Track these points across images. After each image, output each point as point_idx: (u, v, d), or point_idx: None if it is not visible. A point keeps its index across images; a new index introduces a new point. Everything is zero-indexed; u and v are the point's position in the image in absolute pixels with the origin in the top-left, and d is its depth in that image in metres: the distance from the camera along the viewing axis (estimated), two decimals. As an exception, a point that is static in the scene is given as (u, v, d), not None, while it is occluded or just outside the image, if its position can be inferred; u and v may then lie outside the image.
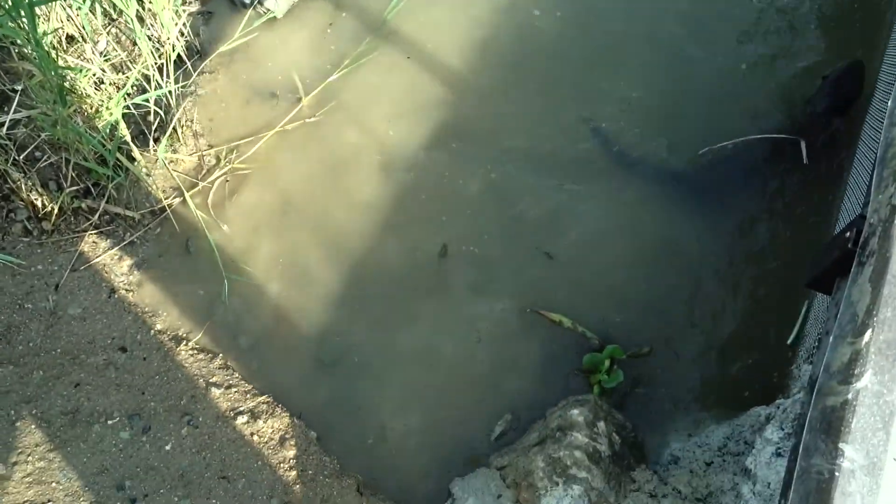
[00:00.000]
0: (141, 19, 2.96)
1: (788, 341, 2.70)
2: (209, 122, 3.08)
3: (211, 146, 3.03)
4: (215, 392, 2.59)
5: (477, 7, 3.34)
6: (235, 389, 2.63)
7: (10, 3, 2.24)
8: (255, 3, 3.23)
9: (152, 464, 2.43)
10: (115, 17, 3.06)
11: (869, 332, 1.72)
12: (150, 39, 2.95)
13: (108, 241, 2.80)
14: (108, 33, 3.01)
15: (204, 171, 2.98)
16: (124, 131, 2.75)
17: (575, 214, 2.98)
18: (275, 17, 3.25)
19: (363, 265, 2.88)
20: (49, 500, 2.33)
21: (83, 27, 2.86)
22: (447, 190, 3.01)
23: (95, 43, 2.94)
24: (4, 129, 2.67)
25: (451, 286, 2.86)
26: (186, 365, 2.64)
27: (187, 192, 2.89)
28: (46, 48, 2.49)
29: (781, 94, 3.22)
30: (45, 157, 2.76)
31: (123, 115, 2.77)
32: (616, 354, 2.67)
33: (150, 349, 2.65)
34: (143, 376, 2.59)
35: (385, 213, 2.97)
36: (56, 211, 2.72)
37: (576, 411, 2.43)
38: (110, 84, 2.89)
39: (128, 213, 2.84)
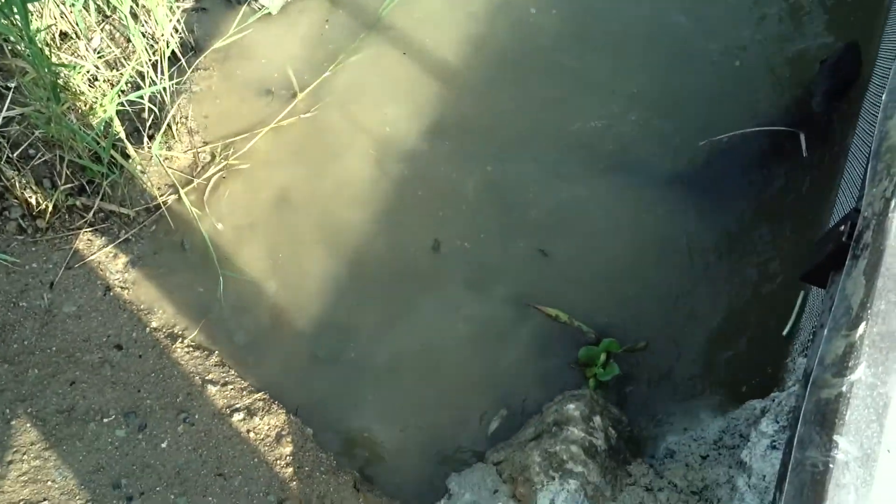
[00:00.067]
0: (135, 16, 2.95)
1: (784, 332, 2.71)
2: (204, 118, 3.07)
3: (206, 143, 3.02)
4: (211, 389, 2.59)
5: (473, 3, 3.33)
6: (231, 386, 2.62)
7: (2, 0, 2.23)
8: (250, -1, 3.22)
9: (148, 462, 2.43)
10: (108, 13, 3.05)
11: (863, 325, 1.73)
12: (144, 36, 2.94)
13: (103, 238, 2.80)
14: (101, 30, 3.00)
15: (199, 168, 2.97)
16: (118, 128, 2.74)
17: (572, 211, 2.98)
18: (269, 13, 3.24)
19: (359, 261, 2.87)
20: (45, 499, 2.32)
21: (77, 24, 2.85)
22: (444, 186, 3.01)
23: (89, 40, 2.93)
24: (-2, 126, 2.67)
25: (447, 282, 2.86)
26: (182, 362, 2.64)
27: (182, 189, 2.89)
28: (40, 45, 2.48)
29: (780, 84, 3.22)
30: (38, 155, 2.75)
31: (118, 112, 2.76)
32: (612, 348, 2.68)
33: (145, 347, 2.64)
34: (138, 374, 2.58)
35: (381, 209, 2.96)
36: (50, 209, 2.72)
37: (572, 406, 2.44)
38: (104, 81, 2.88)
39: (123, 210, 2.83)
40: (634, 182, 3.03)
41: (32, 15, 2.66)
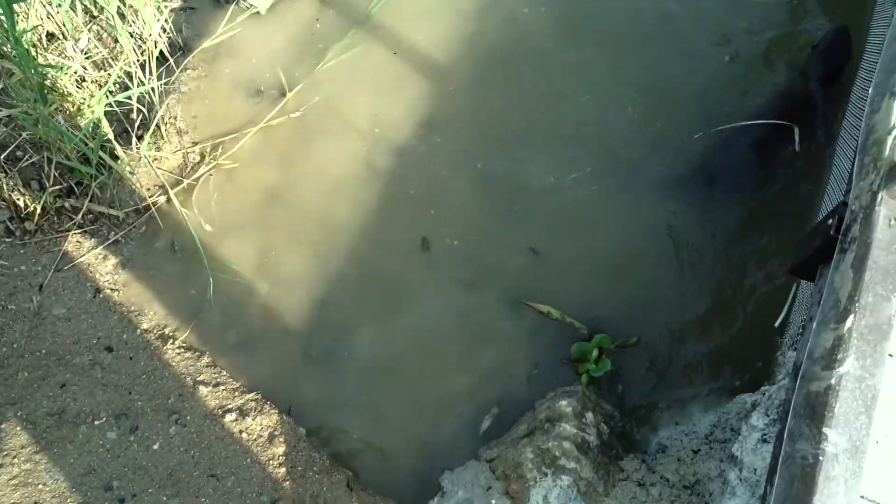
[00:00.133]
0: (122, 16, 2.93)
1: (776, 324, 2.72)
2: (193, 118, 3.06)
3: (195, 143, 3.01)
4: (203, 390, 2.58)
5: (463, 1, 3.33)
6: (223, 387, 2.62)
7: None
8: (238, -2, 3.21)
9: (140, 463, 2.42)
10: (95, 13, 3.03)
11: (851, 318, 1.74)
12: (131, 36, 2.93)
13: (93, 240, 2.78)
14: (89, 30, 2.98)
15: (188, 169, 2.96)
16: (107, 129, 2.72)
17: (563, 208, 2.98)
18: (258, 12, 3.23)
19: (351, 260, 2.87)
20: (36, 502, 2.31)
21: (63, 24, 2.83)
22: (434, 184, 3.00)
23: (76, 40, 2.91)
24: (-16, 128, 2.65)
25: (439, 280, 2.86)
26: (173, 364, 2.63)
27: (172, 189, 2.88)
28: (26, 46, 2.47)
29: (773, 71, 3.23)
30: (26, 157, 2.73)
31: (106, 113, 2.75)
32: (604, 344, 2.68)
33: (136, 348, 2.63)
34: (129, 376, 2.57)
35: (372, 208, 2.96)
36: (39, 211, 2.70)
37: (564, 402, 2.44)
38: (92, 82, 2.86)
39: (112, 211, 2.82)
40: (626, 179, 3.04)
41: (18, 15, 2.64)
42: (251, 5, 3.21)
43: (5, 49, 2.52)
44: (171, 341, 2.68)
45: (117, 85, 2.89)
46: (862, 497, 1.63)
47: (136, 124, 2.92)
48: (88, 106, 2.72)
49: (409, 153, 3.05)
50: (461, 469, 2.46)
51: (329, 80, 3.15)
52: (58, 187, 2.75)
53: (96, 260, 2.76)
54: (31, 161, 2.73)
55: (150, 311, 2.73)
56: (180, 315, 2.74)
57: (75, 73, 2.81)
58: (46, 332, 2.59)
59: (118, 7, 2.85)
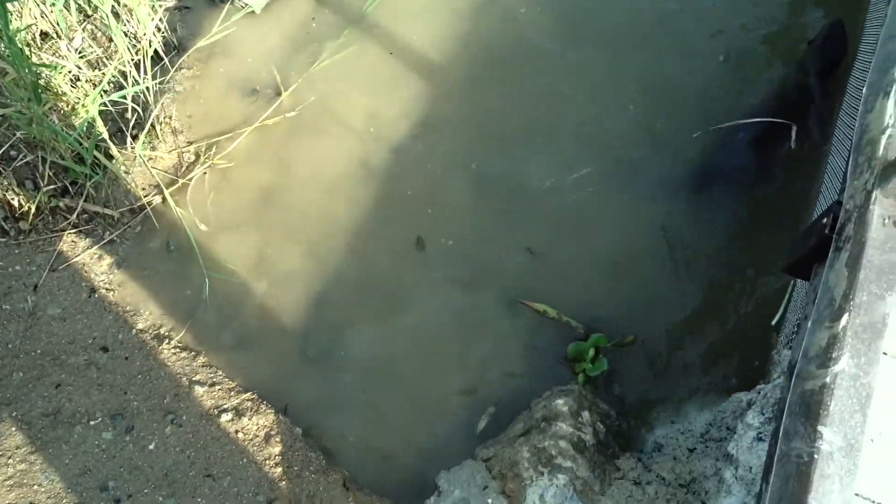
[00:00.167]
0: (116, 15, 2.92)
1: (773, 322, 2.73)
2: (188, 118, 3.05)
3: (190, 143, 3.00)
4: (199, 390, 2.58)
5: (459, 0, 3.33)
6: (219, 387, 2.61)
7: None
8: (233, -3, 3.20)
9: (136, 463, 2.42)
10: (90, 13, 3.02)
11: (846, 316, 1.75)
12: (126, 35, 2.92)
13: (88, 240, 2.77)
14: (83, 29, 2.97)
15: (183, 168, 2.95)
16: (101, 129, 2.72)
17: (559, 208, 2.98)
18: (253, 11, 3.23)
19: (347, 260, 2.87)
20: (31, 503, 2.30)
21: (57, 23, 2.82)
22: (430, 184, 3.00)
23: (70, 39, 2.90)
24: (-22, 128, 2.63)
25: (435, 279, 2.86)
26: (169, 363, 2.63)
27: (167, 189, 2.87)
28: (20, 45, 2.46)
29: (772, 67, 3.24)
30: (20, 156, 2.72)
31: (100, 113, 2.74)
32: (601, 343, 2.69)
33: (131, 348, 2.63)
34: (125, 376, 2.56)
35: (368, 208, 2.96)
36: (33, 210, 2.69)
37: (560, 401, 2.45)
38: (86, 81, 2.85)
39: (107, 211, 2.81)
40: (624, 179, 3.04)
41: (11, 14, 2.63)
42: (246, 4, 3.20)
43: (-1, 48, 2.51)
44: (166, 341, 2.67)
45: (112, 84, 2.89)
46: (857, 495, 1.63)
47: (131, 124, 2.91)
48: (83, 105, 2.71)
49: (406, 153, 3.05)
50: (457, 468, 2.46)
51: (325, 79, 3.15)
52: (52, 187, 2.74)
53: (91, 260, 2.75)
54: (25, 160, 2.72)
55: (146, 311, 2.72)
56: (176, 315, 2.73)
57: (69, 72, 2.80)
58: (41, 332, 2.58)
59: (112, 6, 2.84)
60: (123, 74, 2.88)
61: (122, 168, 2.84)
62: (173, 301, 2.75)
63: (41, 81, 2.60)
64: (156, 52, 3.02)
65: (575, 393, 2.51)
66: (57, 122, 2.65)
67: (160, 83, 3.02)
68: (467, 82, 3.19)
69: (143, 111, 2.94)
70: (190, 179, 2.92)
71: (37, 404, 2.45)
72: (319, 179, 2.99)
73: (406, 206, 2.96)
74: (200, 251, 2.76)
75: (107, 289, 2.72)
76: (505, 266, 2.88)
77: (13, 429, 2.40)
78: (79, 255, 2.74)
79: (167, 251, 2.83)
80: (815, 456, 1.60)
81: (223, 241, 2.86)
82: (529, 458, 2.32)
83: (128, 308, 2.71)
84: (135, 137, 2.89)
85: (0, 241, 2.67)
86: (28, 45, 2.69)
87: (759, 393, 2.35)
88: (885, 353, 1.76)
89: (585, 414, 2.45)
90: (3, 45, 2.40)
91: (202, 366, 2.65)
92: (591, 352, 2.66)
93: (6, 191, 2.66)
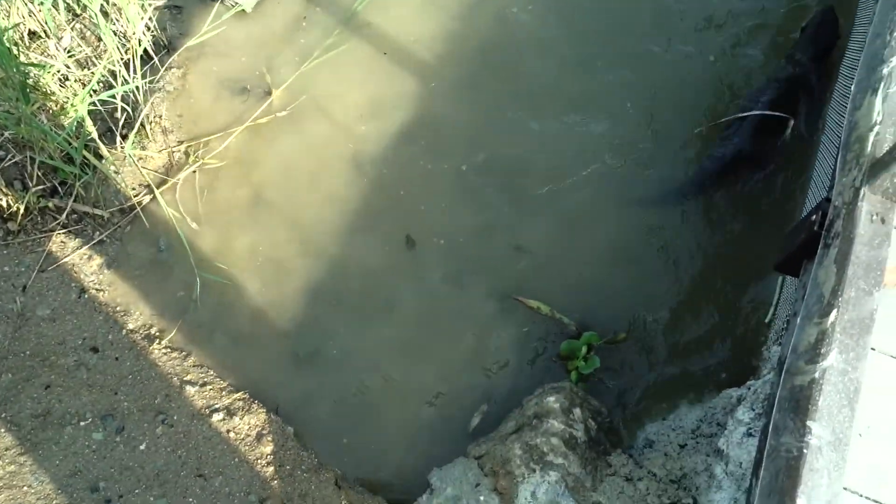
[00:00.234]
0: (106, 14, 2.91)
1: (766, 320, 2.74)
2: (178, 117, 3.04)
3: (180, 142, 2.99)
4: (190, 390, 2.57)
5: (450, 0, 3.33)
6: (210, 387, 2.60)
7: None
8: (223, -4, 3.19)
9: (127, 464, 2.41)
10: (78, 12, 3.01)
11: (834, 312, 1.76)
12: (115, 34, 2.90)
13: (77, 240, 2.76)
14: (72, 29, 2.96)
15: (173, 168, 2.94)
16: (91, 128, 2.70)
17: (551, 207, 2.97)
18: (243, 10, 3.22)
19: (338, 258, 2.86)
20: (21, 504, 2.29)
21: (46, 22, 2.81)
22: (422, 183, 3.00)
23: (59, 39, 2.89)
24: (-34, 127, 2.62)
25: (426, 278, 2.86)
26: (160, 364, 2.62)
27: (157, 189, 2.86)
28: (7, 44, 2.44)
29: (767, 56, 3.26)
30: (9, 157, 2.71)
31: (90, 112, 2.72)
32: (593, 341, 2.69)
33: (122, 349, 2.62)
34: (115, 376, 2.55)
35: (359, 207, 2.95)
36: (22, 211, 2.67)
37: (552, 398, 2.45)
38: (75, 80, 2.84)
39: (96, 211, 2.80)
40: (618, 177, 3.04)
41: None
42: (236, 3, 3.19)
43: (-14, 47, 2.49)
44: (157, 341, 2.66)
45: (101, 83, 2.87)
46: (845, 489, 1.65)
47: (121, 123, 2.90)
48: (72, 105, 2.70)
49: (397, 152, 3.05)
50: (450, 466, 2.46)
51: (316, 78, 3.14)
52: (41, 187, 2.73)
53: (81, 260, 2.73)
54: (13, 161, 2.71)
55: (136, 311, 2.71)
56: (166, 315, 2.72)
57: (58, 71, 2.78)
58: (31, 333, 2.56)
59: (101, 5, 2.82)
60: (113, 74, 2.86)
61: (112, 168, 2.83)
62: (164, 301, 2.74)
63: (29, 81, 2.58)
64: (145, 51, 3.01)
65: (566, 390, 2.52)
66: (46, 121, 2.63)
67: (150, 82, 3.01)
68: (459, 81, 3.19)
69: (133, 111, 2.93)
70: (180, 179, 2.91)
71: (26, 406, 2.44)
72: (311, 179, 2.99)
73: (398, 205, 2.96)
74: (191, 251, 2.75)
75: (97, 289, 2.71)
76: (497, 265, 2.88)
77: (2, 430, 2.38)
78: (68, 255, 2.72)
79: (158, 251, 2.81)
80: (804, 450, 1.61)
81: (214, 240, 2.85)
82: (521, 455, 2.33)
83: (118, 308, 2.69)
84: (124, 137, 2.88)
85: (-11, 242, 2.65)
86: (16, 44, 2.67)
87: (750, 389, 2.36)
88: (872, 349, 1.77)
89: (577, 411, 2.46)
90: (-10, 44, 2.38)
91: (193, 365, 2.65)
92: (584, 349, 2.67)
93: (-5, 191, 2.64)
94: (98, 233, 2.78)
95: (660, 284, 2.87)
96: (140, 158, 2.90)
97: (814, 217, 2.08)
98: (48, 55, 2.81)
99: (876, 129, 1.96)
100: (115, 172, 2.84)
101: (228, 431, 2.51)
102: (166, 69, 3.08)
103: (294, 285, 2.81)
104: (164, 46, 3.15)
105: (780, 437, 1.71)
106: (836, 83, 2.97)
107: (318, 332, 2.75)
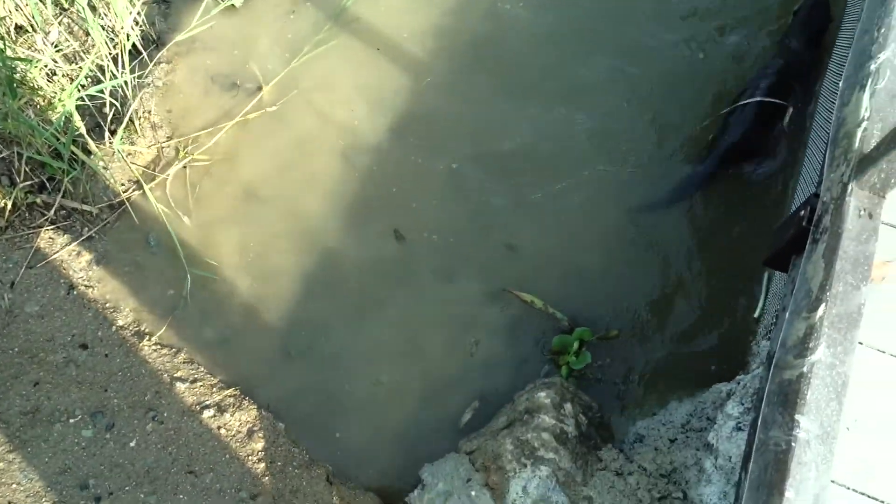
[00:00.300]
0: (93, 8, 2.88)
1: (755, 314, 2.76)
2: (167, 113, 3.02)
3: (170, 138, 2.97)
4: (180, 387, 2.56)
5: (439, -6, 3.32)
6: (201, 383, 2.60)
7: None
8: (212, -9, 3.17)
9: (117, 461, 2.40)
10: (66, 6, 2.98)
11: (822, 307, 1.77)
12: (103, 29, 2.88)
13: (66, 236, 2.74)
14: (59, 23, 2.93)
15: (163, 164, 2.93)
16: (79, 124, 2.68)
17: (542, 204, 2.97)
18: (233, 4, 3.20)
19: (329, 254, 2.86)
20: (10, 502, 2.28)
21: (33, 17, 2.78)
22: (413, 179, 3.00)
23: (46, 33, 2.86)
24: (-48, 122, 2.59)
25: (418, 274, 2.86)
26: (150, 360, 2.60)
27: (146, 184, 2.84)
28: (-6, 38, 2.42)
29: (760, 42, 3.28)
30: (-4, 152, 2.68)
31: (78, 108, 2.70)
32: (585, 336, 2.70)
33: (111, 345, 2.60)
34: (105, 373, 2.54)
35: (350, 202, 2.95)
36: (9, 207, 2.65)
37: (543, 394, 2.46)
38: (63, 75, 2.81)
39: (85, 207, 2.78)
40: (610, 175, 3.04)
41: (-14, 7, 2.59)
42: (226, -2, 3.17)
43: (-28, 41, 2.47)
44: (147, 338, 2.65)
45: (89, 79, 2.85)
46: (833, 482, 1.66)
47: (109, 118, 2.88)
48: (59, 100, 2.67)
49: (388, 148, 3.04)
50: (441, 461, 2.46)
51: (306, 73, 3.13)
52: (29, 183, 2.71)
53: (69, 256, 2.71)
54: (0, 156, 2.68)
55: (126, 308, 2.69)
56: (156, 311, 2.71)
57: (45, 66, 2.76)
58: (19, 329, 2.54)
59: (89, -1, 2.80)
60: (101, 69, 2.84)
61: (101, 163, 2.81)
62: (154, 297, 2.73)
63: (16, 76, 2.56)
64: (134, 46, 2.98)
65: (557, 385, 2.53)
66: (33, 116, 2.61)
67: (139, 77, 2.99)
68: (451, 76, 3.19)
69: (122, 106, 2.91)
70: (170, 175, 2.89)
71: (15, 403, 2.42)
72: (301, 174, 2.98)
73: (389, 201, 2.95)
74: (181, 246, 2.73)
75: (86, 285, 2.69)
76: (488, 261, 2.89)
77: (-9, 428, 2.37)
78: (57, 251, 2.70)
79: (147, 247, 2.80)
80: (793, 444, 1.63)
81: (204, 236, 2.84)
82: (512, 450, 2.33)
83: (107, 305, 2.68)
84: (113, 132, 2.86)
85: (-24, 238, 2.63)
86: (2, 38, 2.64)
87: (739, 383, 2.38)
88: (860, 343, 1.79)
89: (568, 406, 2.47)
90: (-24, 38, 2.36)
91: (183, 362, 2.64)
92: (576, 345, 2.68)
93: (-19, 187, 2.62)
94: (87, 229, 2.76)
95: (651, 281, 2.88)
96: (129, 154, 2.88)
97: (802, 212, 2.09)
98: (35, 50, 2.79)
99: (864, 125, 1.97)
100: (104, 168, 2.82)
101: (219, 428, 2.50)
102: (155, 64, 3.06)
103: (285, 281, 2.81)
104: (153, 41, 3.12)
105: (768, 430, 1.72)
106: (825, 78, 2.98)
107: (309, 328, 2.75)
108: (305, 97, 3.10)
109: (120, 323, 2.66)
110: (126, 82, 2.87)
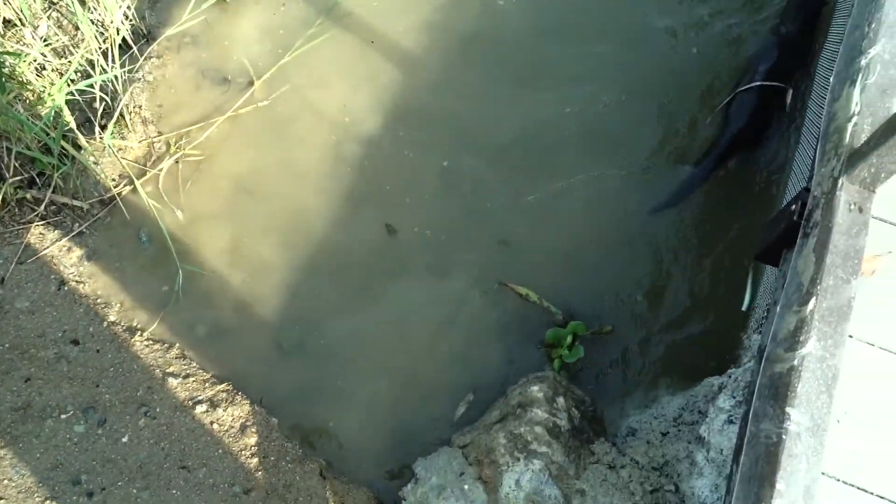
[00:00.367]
0: (83, 2, 2.86)
1: (742, 307, 2.77)
2: (158, 107, 3.01)
3: (161, 133, 2.96)
4: (172, 382, 2.55)
5: (432, -11, 3.31)
6: (193, 379, 2.59)
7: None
8: (203, -16, 3.15)
9: (109, 456, 2.39)
10: (55, 0, 2.95)
11: (813, 301, 1.78)
12: (93, 23, 2.86)
13: (56, 231, 2.72)
14: (48, 17, 2.90)
15: (154, 159, 2.91)
16: (69, 118, 2.66)
17: (536, 200, 2.98)
18: (224, -1, 3.18)
19: (321, 249, 2.85)
20: (1, 498, 2.27)
21: (21, 10, 2.75)
22: (406, 174, 2.99)
23: (35, 27, 2.84)
24: (-60, 117, 2.57)
25: (411, 268, 2.86)
26: (142, 356, 2.59)
27: (137, 179, 2.83)
28: (-18, 32, 2.40)
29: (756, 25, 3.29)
30: (-15, 147, 2.66)
31: (67, 102, 2.68)
32: (579, 331, 2.71)
33: (103, 341, 2.59)
34: (96, 369, 2.53)
35: (343, 197, 2.94)
36: (-1, 202, 2.64)
37: (535, 388, 2.47)
38: (52, 70, 2.79)
39: (75, 202, 2.76)
40: (603, 173, 3.04)
41: (-26, 1, 2.57)
42: (217, -9, 3.15)
43: (-40, 35, 2.45)
44: (139, 333, 2.64)
45: (79, 73, 2.83)
46: (823, 474, 1.68)
47: (100, 113, 2.86)
48: (49, 94, 2.65)
49: (380, 143, 3.04)
50: (434, 455, 2.47)
51: (298, 68, 3.12)
52: (19, 178, 2.69)
53: (60, 252, 2.70)
54: (-10, 151, 2.67)
55: (117, 303, 2.68)
56: (148, 306, 2.70)
57: (34, 60, 2.74)
58: (9, 325, 2.53)
59: (79, -8, 2.78)
60: (91, 63, 2.82)
61: (91, 158, 2.79)
62: (145, 293, 2.71)
63: (5, 70, 2.54)
64: (124, 40, 2.96)
65: (550, 379, 2.54)
66: (22, 111, 2.59)
67: (129, 72, 2.97)
68: (444, 72, 3.18)
69: (112, 101, 2.89)
70: (161, 170, 2.88)
71: (6, 399, 2.41)
72: (293, 169, 2.97)
73: (381, 196, 2.95)
74: (173, 242, 2.72)
75: (77, 281, 2.68)
76: (483, 255, 2.89)
77: (-18, 424, 2.36)
78: (47, 247, 2.69)
79: (139, 242, 2.79)
80: (783, 436, 1.64)
81: (196, 231, 2.83)
82: (505, 444, 2.34)
83: (99, 300, 2.67)
84: (103, 127, 2.84)
85: (-35, 234, 2.61)
86: (-9, 32, 2.62)
87: (731, 377, 2.39)
88: (850, 336, 1.80)
89: (560, 400, 2.48)
90: (-36, 31, 2.34)
91: (176, 357, 2.63)
92: (569, 339, 2.68)
93: (-30, 182, 2.60)
94: (77, 224, 2.75)
95: (645, 276, 2.88)
96: (119, 149, 2.87)
97: (793, 207, 2.10)
98: (24, 44, 2.76)
99: (854, 119, 1.98)
100: (95, 163, 2.80)
101: (212, 423, 2.50)
102: (146, 59, 3.04)
103: (277, 276, 2.80)
104: (144, 35, 3.10)
105: (759, 423, 1.73)
106: (815, 74, 2.99)
107: (302, 323, 2.74)
108: (297, 92, 3.09)
109: (111, 318, 2.65)
110: (116, 77, 2.85)
